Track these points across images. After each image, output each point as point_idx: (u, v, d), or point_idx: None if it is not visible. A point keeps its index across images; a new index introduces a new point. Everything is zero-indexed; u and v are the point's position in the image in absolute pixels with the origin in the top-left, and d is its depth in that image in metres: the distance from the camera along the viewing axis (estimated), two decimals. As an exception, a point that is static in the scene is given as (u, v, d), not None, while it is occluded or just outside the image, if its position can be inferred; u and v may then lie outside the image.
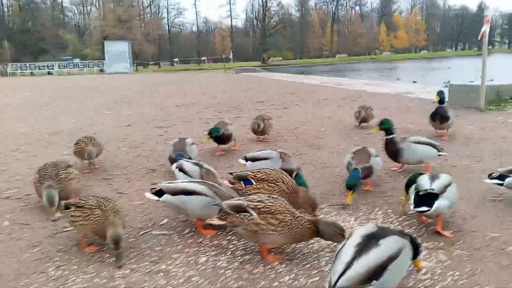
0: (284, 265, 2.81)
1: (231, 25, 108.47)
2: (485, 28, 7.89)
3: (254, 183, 3.57)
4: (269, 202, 2.83)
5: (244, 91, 16.42)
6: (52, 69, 53.48)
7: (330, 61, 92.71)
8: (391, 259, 2.17)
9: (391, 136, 4.61)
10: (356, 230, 2.40)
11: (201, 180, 3.52)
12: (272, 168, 3.68)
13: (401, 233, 2.39)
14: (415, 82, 23.88)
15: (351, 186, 3.65)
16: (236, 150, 6.20)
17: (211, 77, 30.01)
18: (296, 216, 2.82)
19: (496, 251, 2.86)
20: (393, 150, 4.61)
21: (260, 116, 6.79)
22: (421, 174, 3.37)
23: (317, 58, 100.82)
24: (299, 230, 2.77)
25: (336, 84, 17.92)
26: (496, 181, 3.57)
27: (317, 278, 2.62)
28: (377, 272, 2.11)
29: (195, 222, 3.40)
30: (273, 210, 2.78)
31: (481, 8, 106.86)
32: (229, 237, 3.26)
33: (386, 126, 4.61)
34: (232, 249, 3.08)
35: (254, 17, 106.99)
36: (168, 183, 3.48)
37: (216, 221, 2.99)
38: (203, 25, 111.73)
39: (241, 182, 3.65)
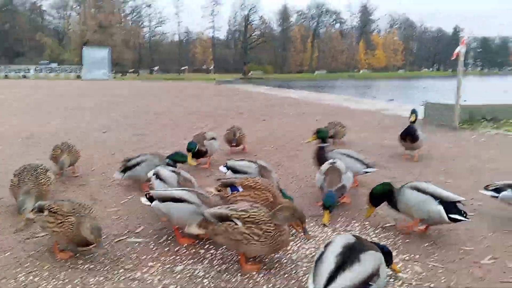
0: (262, 274, 2.79)
1: (213, 36, 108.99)
2: (460, 49, 8.18)
3: (240, 189, 3.57)
4: (253, 212, 2.81)
5: (224, 102, 16.44)
6: (28, 72, 52.29)
7: (309, 77, 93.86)
8: (373, 275, 2.23)
9: (323, 144, 4.80)
10: (334, 239, 2.43)
11: (190, 188, 3.49)
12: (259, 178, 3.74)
13: (374, 246, 2.44)
14: (391, 100, 24.38)
15: (327, 207, 3.65)
16: (215, 160, 6.17)
17: (190, 87, 29.95)
18: (277, 224, 2.81)
19: (470, 264, 2.92)
20: (320, 158, 4.75)
21: (233, 127, 6.76)
22: (385, 185, 3.45)
23: (297, 73, 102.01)
24: (279, 238, 2.76)
25: (315, 99, 18.14)
26: (492, 193, 3.64)
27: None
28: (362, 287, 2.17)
29: (174, 229, 3.36)
30: (257, 220, 2.77)
31: (456, 31, 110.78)
32: (206, 246, 3.22)
33: (322, 135, 4.84)
34: (210, 258, 3.05)
35: (236, 30, 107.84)
36: (161, 190, 3.45)
37: (195, 230, 2.95)
38: (184, 35, 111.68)
39: (228, 188, 3.65)
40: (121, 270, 2.85)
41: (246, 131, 6.91)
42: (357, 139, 7.81)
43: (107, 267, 2.89)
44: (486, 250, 3.14)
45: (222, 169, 4.55)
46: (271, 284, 2.67)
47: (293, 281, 2.71)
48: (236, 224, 2.78)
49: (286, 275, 2.79)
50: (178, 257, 3.06)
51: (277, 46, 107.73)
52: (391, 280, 2.70)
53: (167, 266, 2.92)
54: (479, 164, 5.74)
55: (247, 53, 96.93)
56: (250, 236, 2.73)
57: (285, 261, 2.98)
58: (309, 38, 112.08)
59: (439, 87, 47.84)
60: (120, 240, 3.35)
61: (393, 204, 3.46)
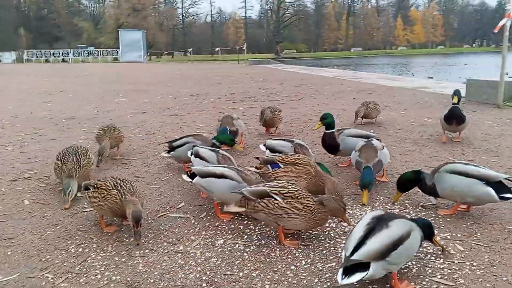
0: (300, 250, 2.83)
1: (245, 16, 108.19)
2: (505, 21, 7.74)
3: (281, 166, 3.62)
4: (292, 188, 2.90)
5: (257, 82, 16.41)
6: (67, 56, 54.01)
7: (345, 54, 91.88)
8: (402, 239, 2.34)
9: (330, 131, 4.60)
10: (365, 215, 2.57)
11: (230, 166, 3.57)
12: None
13: (405, 216, 2.55)
14: (430, 77, 23.58)
15: (366, 185, 3.59)
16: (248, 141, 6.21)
17: (223, 67, 30.03)
18: (315, 201, 2.87)
19: (515, 244, 2.84)
20: (328, 145, 4.63)
21: (269, 107, 6.46)
22: (413, 173, 3.40)
23: (332, 52, 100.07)
24: (319, 215, 2.84)
25: (351, 77, 17.80)
26: None
27: (333, 264, 2.64)
28: (389, 250, 2.28)
29: (215, 205, 3.45)
30: (297, 195, 2.85)
31: (500, 4, 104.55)
32: (245, 222, 3.29)
33: (327, 121, 4.62)
34: (249, 233, 3.11)
35: (269, 8, 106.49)
36: (202, 167, 3.56)
37: (234, 208, 3.01)
38: (217, 15, 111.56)
39: (268, 165, 3.70)
40: (164, 244, 2.96)
41: (280, 112, 6.72)
42: (397, 117, 7.64)
43: (151, 240, 3.02)
44: (533, 229, 3.04)
45: (262, 147, 4.59)
46: (310, 259, 2.70)
47: (332, 257, 2.73)
48: (276, 199, 2.84)
49: (325, 251, 2.81)
50: (219, 231, 3.15)
51: (310, 24, 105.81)
52: (432, 257, 2.67)
53: (208, 240, 3.01)
54: (525, 143, 5.50)
55: (280, 32, 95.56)
56: (291, 210, 2.80)
57: (323, 238, 3.00)
58: (344, 15, 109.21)
59: (482, 63, 45.71)
60: (162, 215, 3.47)
61: (428, 190, 3.36)
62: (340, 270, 2.25)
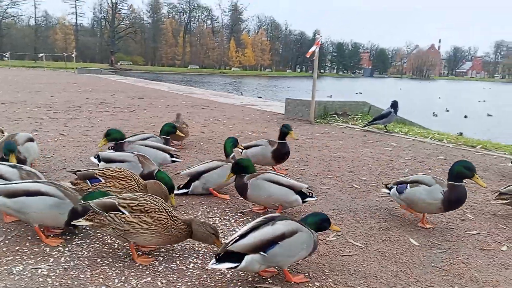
0: (114, 268, 2.64)
1: (76, 23, 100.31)
2: (315, 48, 8.95)
3: (102, 180, 3.35)
4: (144, 200, 2.71)
5: (86, 92, 15.26)
6: None
7: (182, 70, 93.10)
8: (283, 237, 2.44)
9: (120, 142, 4.69)
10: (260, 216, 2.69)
11: (46, 180, 3.11)
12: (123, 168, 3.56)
13: (294, 219, 2.64)
14: (259, 97, 25.63)
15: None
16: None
17: (48, 75, 27.09)
18: (172, 216, 2.73)
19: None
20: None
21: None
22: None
23: (170, 67, 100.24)
24: (174, 230, 2.69)
25: (187, 92, 18.02)
26: (386, 190, 3.80)
27: (149, 279, 2.54)
28: (265, 245, 2.38)
29: (36, 229, 2.96)
30: (147, 208, 2.67)
31: (315, 35, 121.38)
32: (52, 245, 2.92)
33: (113, 137, 4.68)
34: (56, 255, 2.78)
35: (103, 17, 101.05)
36: (8, 184, 2.99)
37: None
38: (42, 19, 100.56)
39: (87, 181, 3.37)
40: None
41: (108, 123, 6.39)
42: (226, 131, 7.98)
43: None
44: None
45: (94, 160, 4.19)
46: (124, 277, 2.54)
47: (148, 271, 2.62)
48: (123, 213, 2.64)
49: (140, 266, 2.68)
50: (18, 257, 2.73)
51: (147, 37, 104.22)
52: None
53: (3, 268, 2.57)
54: (329, 153, 6.35)
55: (115, 43, 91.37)
56: (139, 225, 2.62)
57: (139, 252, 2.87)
58: (180, 32, 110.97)
59: (303, 86, 51.95)
60: None
61: (242, 192, 3.59)
62: (215, 257, 2.37)
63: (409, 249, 3.13)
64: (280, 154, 4.96)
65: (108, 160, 4.12)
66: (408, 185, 3.56)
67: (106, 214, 2.66)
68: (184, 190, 4.09)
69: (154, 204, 2.72)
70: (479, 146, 7.21)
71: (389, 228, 3.53)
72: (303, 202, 3.60)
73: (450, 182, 3.35)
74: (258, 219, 2.57)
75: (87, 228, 3.22)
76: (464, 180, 3.33)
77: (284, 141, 4.97)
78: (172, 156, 4.80)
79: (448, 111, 33.21)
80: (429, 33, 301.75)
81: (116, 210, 2.66)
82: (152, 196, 2.82)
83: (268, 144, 4.98)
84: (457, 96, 53.41)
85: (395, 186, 3.68)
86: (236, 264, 2.34)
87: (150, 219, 2.65)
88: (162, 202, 2.81)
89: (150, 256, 2.83)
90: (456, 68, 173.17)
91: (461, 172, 3.30)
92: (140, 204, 2.68)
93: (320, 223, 2.71)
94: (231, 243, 2.39)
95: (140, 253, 2.87)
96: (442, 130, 9.41)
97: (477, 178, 3.30)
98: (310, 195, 3.66)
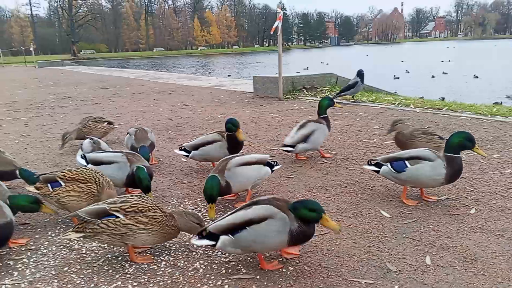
0: (83, 275, 2.55)
1: (31, 14, 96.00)
2: (277, 23, 8.80)
3: (63, 184, 3.18)
4: (135, 201, 2.65)
5: (47, 87, 14.69)
6: None
7: (147, 54, 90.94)
8: (250, 222, 2.41)
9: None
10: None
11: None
12: (88, 168, 3.37)
13: (275, 203, 2.45)
14: (229, 75, 25.36)
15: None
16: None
17: (6, 71, 25.92)
18: (165, 212, 2.69)
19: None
20: None
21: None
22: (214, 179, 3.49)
23: (134, 52, 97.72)
24: (167, 227, 2.66)
25: (153, 78, 17.59)
26: (374, 167, 3.62)
27: (119, 283, 2.46)
28: (236, 228, 2.42)
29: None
30: (141, 208, 2.62)
31: (277, 10, 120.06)
32: (16, 257, 2.80)
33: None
34: (20, 268, 2.66)
35: (59, 6, 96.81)
36: None
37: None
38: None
39: (48, 185, 3.22)
40: None
41: (72, 118, 6.14)
42: (195, 116, 7.83)
43: None
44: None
45: (80, 160, 3.96)
46: (94, 284, 2.46)
47: (118, 275, 2.55)
48: (117, 217, 2.57)
49: (110, 270, 2.61)
50: (-21, 275, 2.60)
51: (108, 23, 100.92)
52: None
53: (-37, 289, 2.45)
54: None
55: (75, 32, 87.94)
56: (136, 226, 2.57)
57: (111, 257, 2.79)
58: (142, 15, 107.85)
59: (271, 61, 51.56)
60: None
61: (225, 192, 3.38)
62: (197, 234, 2.54)
63: (380, 222, 3.15)
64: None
65: (95, 162, 3.80)
66: (407, 162, 3.37)
67: (99, 221, 2.57)
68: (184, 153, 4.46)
69: (147, 203, 2.68)
70: (445, 108, 7.33)
71: (360, 202, 3.55)
72: (272, 171, 3.69)
73: (449, 154, 3.24)
74: (245, 203, 2.60)
75: (52, 235, 3.11)
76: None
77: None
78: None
79: (408, 72, 34.07)
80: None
81: (107, 215, 2.59)
82: (141, 196, 2.77)
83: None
84: (422, 58, 54.34)
85: (388, 164, 3.48)
86: (214, 243, 2.45)
87: (146, 219, 2.61)
88: (152, 200, 2.77)
89: (149, 253, 2.80)
90: (420, 29, 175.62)
91: (463, 144, 3.22)
92: (133, 205, 2.63)
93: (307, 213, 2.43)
94: (212, 224, 2.52)
95: (137, 253, 2.82)
96: (409, 95, 9.53)
97: (477, 148, 3.25)
98: (275, 163, 3.72)
